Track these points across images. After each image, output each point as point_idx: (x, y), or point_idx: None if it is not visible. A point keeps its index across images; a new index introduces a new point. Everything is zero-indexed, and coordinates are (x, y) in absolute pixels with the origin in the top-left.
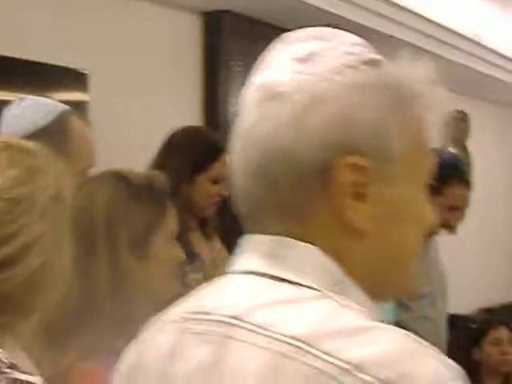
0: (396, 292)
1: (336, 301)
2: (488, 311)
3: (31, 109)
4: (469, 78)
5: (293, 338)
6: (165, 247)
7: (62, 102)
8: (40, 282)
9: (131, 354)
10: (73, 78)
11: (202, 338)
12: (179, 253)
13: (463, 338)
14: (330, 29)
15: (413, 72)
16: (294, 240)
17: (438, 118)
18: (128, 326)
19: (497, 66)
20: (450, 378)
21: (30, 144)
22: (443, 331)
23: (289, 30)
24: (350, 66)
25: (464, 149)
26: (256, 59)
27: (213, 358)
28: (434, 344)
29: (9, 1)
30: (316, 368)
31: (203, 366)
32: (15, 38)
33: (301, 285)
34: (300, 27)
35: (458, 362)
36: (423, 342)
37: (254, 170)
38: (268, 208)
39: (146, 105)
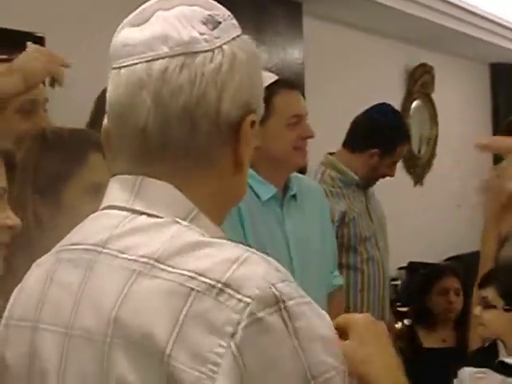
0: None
1: (185, 225)
2: (454, 259)
3: None
4: (433, 32)
5: (144, 257)
6: (81, 199)
7: None
8: None
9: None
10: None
11: (72, 263)
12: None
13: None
14: None
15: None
16: (150, 178)
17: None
18: None
19: (461, 20)
20: (278, 277)
21: None
22: (386, 270)
23: None
24: (240, 36)
25: (430, 101)
26: None
27: (82, 279)
28: (379, 281)
29: None
30: (166, 279)
31: (73, 286)
32: None
33: (157, 216)
34: None
35: (415, 306)
36: (255, 251)
37: (178, 113)
38: (176, 148)
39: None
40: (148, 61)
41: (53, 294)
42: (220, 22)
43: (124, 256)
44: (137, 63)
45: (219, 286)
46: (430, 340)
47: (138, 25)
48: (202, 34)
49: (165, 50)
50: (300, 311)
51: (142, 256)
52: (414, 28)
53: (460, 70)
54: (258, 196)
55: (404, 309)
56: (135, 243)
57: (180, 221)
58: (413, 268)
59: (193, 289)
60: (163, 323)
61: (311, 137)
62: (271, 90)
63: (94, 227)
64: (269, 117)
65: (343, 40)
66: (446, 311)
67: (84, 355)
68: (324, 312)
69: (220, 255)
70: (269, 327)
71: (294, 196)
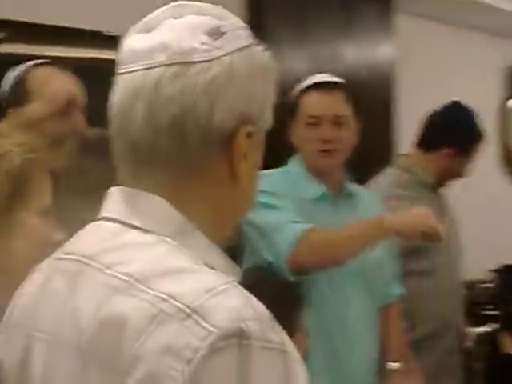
0: (227, 236)
1: (172, 245)
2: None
3: (7, 76)
4: None
5: (126, 275)
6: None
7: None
8: None
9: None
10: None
11: (62, 273)
12: (49, 232)
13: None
14: (219, 7)
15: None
16: (145, 192)
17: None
18: None
19: None
20: (251, 315)
21: None
22: (458, 274)
23: None
24: (246, 47)
25: None
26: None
27: (68, 290)
28: (451, 286)
29: None
30: (140, 298)
31: (60, 297)
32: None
33: (148, 231)
34: None
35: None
36: (237, 285)
37: (165, 125)
38: (165, 159)
39: None
40: (146, 68)
41: (44, 302)
42: (225, 33)
43: (108, 271)
44: (136, 70)
45: (187, 310)
46: None
47: (147, 31)
48: (202, 43)
49: (162, 58)
50: (261, 355)
51: (124, 274)
52: (510, 24)
53: None
54: (305, 195)
55: (493, 312)
56: (120, 260)
57: (169, 240)
58: (508, 271)
59: (162, 310)
60: (128, 341)
61: (327, 140)
62: (303, 91)
63: (87, 238)
64: (295, 117)
65: (436, 37)
66: None
67: (63, 365)
68: (291, 361)
69: (197, 282)
70: (223, 360)
71: (350, 195)
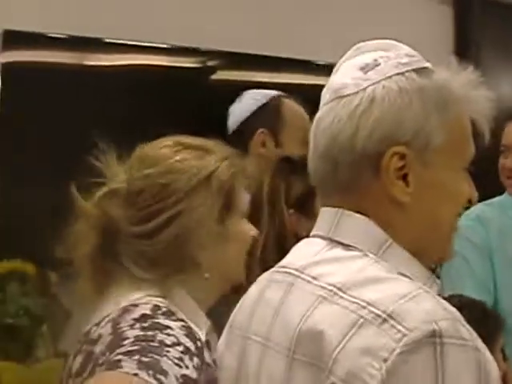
0: (433, 259)
1: (371, 258)
2: None
3: (249, 97)
4: None
5: (330, 285)
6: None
7: None
8: (181, 247)
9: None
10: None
11: (278, 284)
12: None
13: None
14: (392, 41)
15: (456, 78)
16: (350, 211)
17: (481, 117)
18: None
19: None
20: (443, 315)
21: (193, 140)
22: None
23: None
24: (400, 74)
25: None
26: (508, 45)
27: (281, 299)
28: None
29: None
30: (342, 305)
31: (275, 304)
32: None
33: (351, 247)
34: None
35: None
36: (428, 290)
37: (321, 152)
38: (331, 184)
39: None
40: (319, 109)
41: (260, 309)
42: (379, 64)
43: (315, 282)
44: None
45: (384, 316)
46: None
47: (333, 75)
48: (353, 78)
49: (327, 97)
50: (455, 351)
51: (329, 284)
52: None
53: None
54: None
55: None
56: (326, 272)
57: (370, 254)
58: None
59: (362, 316)
60: (331, 344)
61: (505, 169)
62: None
63: (300, 252)
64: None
65: None
66: None
67: (273, 364)
68: (484, 358)
69: (392, 290)
70: (418, 358)
71: None
